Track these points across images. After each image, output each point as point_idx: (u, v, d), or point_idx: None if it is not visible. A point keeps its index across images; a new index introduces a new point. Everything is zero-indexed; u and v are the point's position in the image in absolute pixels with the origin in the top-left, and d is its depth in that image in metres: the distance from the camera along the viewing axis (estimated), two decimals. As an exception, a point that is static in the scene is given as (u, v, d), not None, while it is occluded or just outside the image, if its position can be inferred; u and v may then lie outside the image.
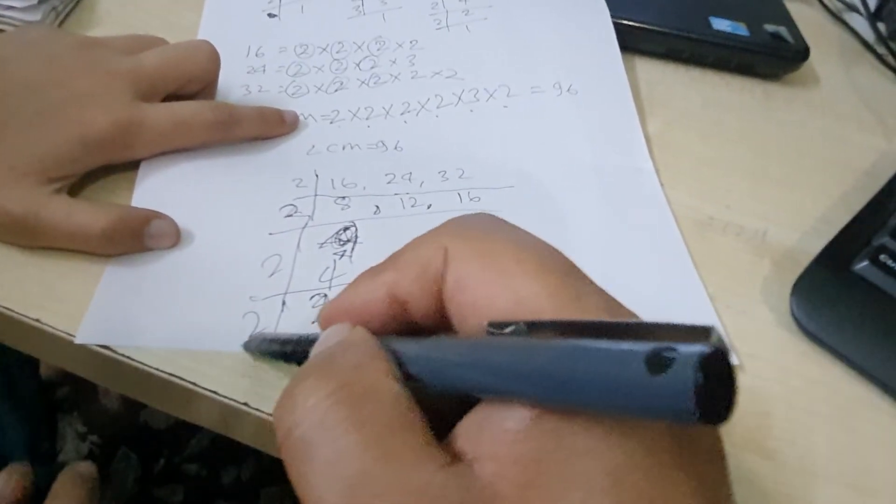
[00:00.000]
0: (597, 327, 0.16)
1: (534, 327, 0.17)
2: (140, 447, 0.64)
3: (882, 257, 0.34)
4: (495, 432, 0.16)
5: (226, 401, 0.29)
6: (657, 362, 0.13)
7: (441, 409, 0.18)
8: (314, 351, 0.21)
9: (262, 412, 0.28)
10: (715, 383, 0.12)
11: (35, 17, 0.41)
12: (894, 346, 0.33)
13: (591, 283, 0.19)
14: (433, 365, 0.18)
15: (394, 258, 0.21)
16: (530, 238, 0.20)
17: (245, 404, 0.29)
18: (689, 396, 0.12)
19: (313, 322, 0.31)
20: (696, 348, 0.13)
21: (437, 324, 0.21)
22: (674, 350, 0.13)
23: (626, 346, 0.14)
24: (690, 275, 0.36)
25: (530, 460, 0.16)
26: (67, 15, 0.44)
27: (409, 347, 0.19)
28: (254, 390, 0.29)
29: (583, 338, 0.15)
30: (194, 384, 0.29)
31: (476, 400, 0.18)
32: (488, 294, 0.18)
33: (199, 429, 0.66)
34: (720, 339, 0.13)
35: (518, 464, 0.16)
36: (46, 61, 0.34)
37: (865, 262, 0.35)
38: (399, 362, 0.19)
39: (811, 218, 0.41)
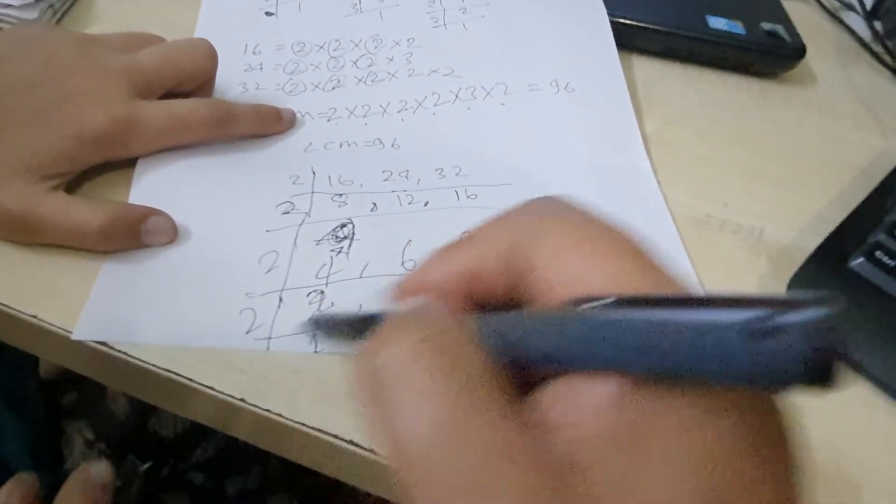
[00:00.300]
0: (692, 302, 0.15)
1: (623, 303, 0.16)
2: (147, 455, 0.64)
3: (878, 254, 0.35)
4: (580, 403, 0.16)
5: (223, 397, 0.29)
6: (763, 329, 0.13)
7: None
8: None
9: (259, 408, 0.28)
10: (821, 349, 0.13)
11: (32, 14, 0.41)
12: (890, 342, 0.33)
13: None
14: (516, 337, 0.18)
15: (474, 234, 0.21)
16: (614, 221, 0.20)
17: (242, 400, 0.29)
18: (798, 361, 0.13)
19: (311, 317, 0.31)
20: (804, 314, 0.13)
21: (510, 303, 0.21)
22: (781, 316, 0.13)
23: (729, 313, 0.14)
24: (687, 272, 0.36)
25: (616, 432, 0.16)
26: (65, 13, 0.44)
27: (490, 320, 0.19)
28: (251, 386, 0.29)
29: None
30: (191, 380, 0.29)
31: (546, 375, 0.18)
32: (578, 269, 0.18)
33: (205, 438, 0.66)
34: (826, 308, 0.13)
35: (603, 434, 0.16)
36: (44, 59, 0.34)
37: (861, 259, 0.35)
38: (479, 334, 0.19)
39: (808, 216, 0.41)
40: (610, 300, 0.17)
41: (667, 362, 0.15)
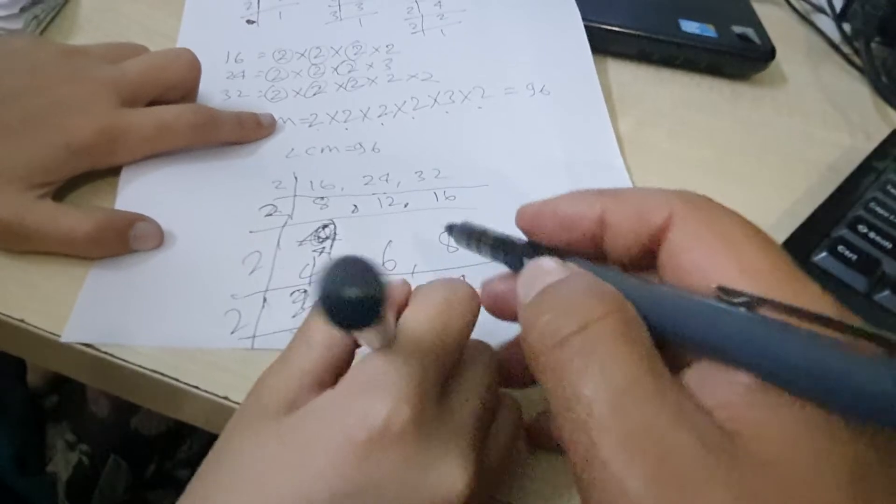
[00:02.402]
0: (826, 322, 0.17)
1: (763, 303, 0.18)
2: (131, 454, 0.64)
3: (840, 248, 0.36)
4: (724, 384, 0.18)
5: (207, 395, 0.30)
6: None
7: None
8: (531, 275, 0.22)
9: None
10: None
11: (17, 25, 0.42)
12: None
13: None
14: (665, 312, 0.20)
15: (615, 191, 0.23)
16: (749, 222, 0.21)
17: (226, 398, 0.29)
18: None
19: (297, 315, 0.32)
20: None
21: (626, 265, 0.23)
22: None
23: (882, 362, 0.16)
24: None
25: (766, 407, 0.17)
26: (49, 23, 0.45)
27: (642, 289, 0.20)
28: (235, 384, 0.30)
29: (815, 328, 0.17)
30: (176, 380, 0.30)
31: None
32: (714, 259, 0.20)
33: (189, 435, 0.67)
34: None
35: (754, 410, 0.17)
36: (30, 70, 0.34)
37: (824, 254, 0.36)
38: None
39: (776, 212, 0.43)
40: (752, 298, 0.18)
41: (815, 386, 0.16)
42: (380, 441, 0.21)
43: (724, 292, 0.18)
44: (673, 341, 0.19)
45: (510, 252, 0.26)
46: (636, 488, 0.16)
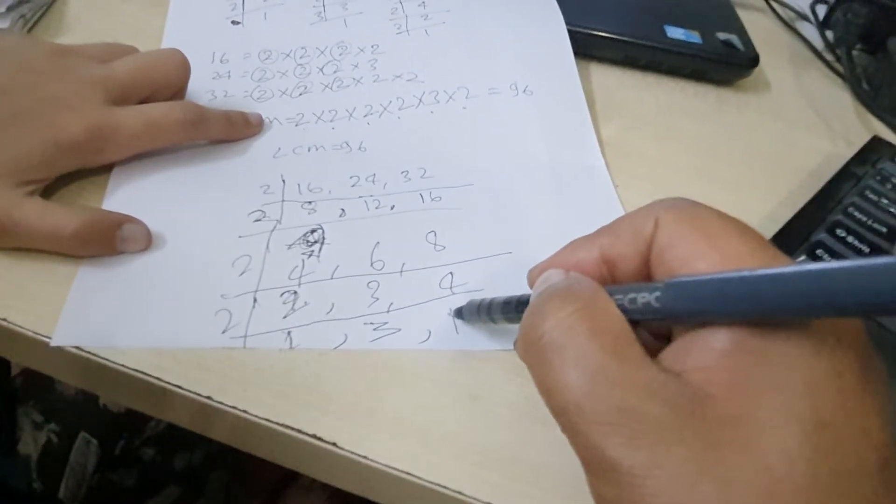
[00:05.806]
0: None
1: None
2: (100, 431, 0.63)
3: (818, 252, 0.36)
4: (703, 350, 0.20)
5: (191, 395, 0.29)
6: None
7: None
8: (538, 288, 0.24)
9: (224, 405, 0.29)
10: None
11: (3, 24, 0.42)
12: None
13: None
14: (637, 301, 0.21)
15: (608, 226, 0.25)
16: (727, 214, 0.23)
17: (209, 398, 0.29)
18: None
19: (287, 316, 0.32)
20: None
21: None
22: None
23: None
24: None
25: (736, 369, 0.19)
26: (36, 22, 0.45)
27: (618, 290, 0.22)
28: (218, 385, 0.30)
29: None
30: (159, 379, 0.30)
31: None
32: (697, 251, 0.21)
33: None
34: None
35: (725, 372, 0.19)
36: (20, 67, 0.34)
37: (804, 257, 0.37)
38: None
39: (759, 216, 0.43)
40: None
41: (770, 304, 0.18)
42: None
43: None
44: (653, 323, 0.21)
45: (520, 308, 0.27)
46: (615, 453, 0.19)
